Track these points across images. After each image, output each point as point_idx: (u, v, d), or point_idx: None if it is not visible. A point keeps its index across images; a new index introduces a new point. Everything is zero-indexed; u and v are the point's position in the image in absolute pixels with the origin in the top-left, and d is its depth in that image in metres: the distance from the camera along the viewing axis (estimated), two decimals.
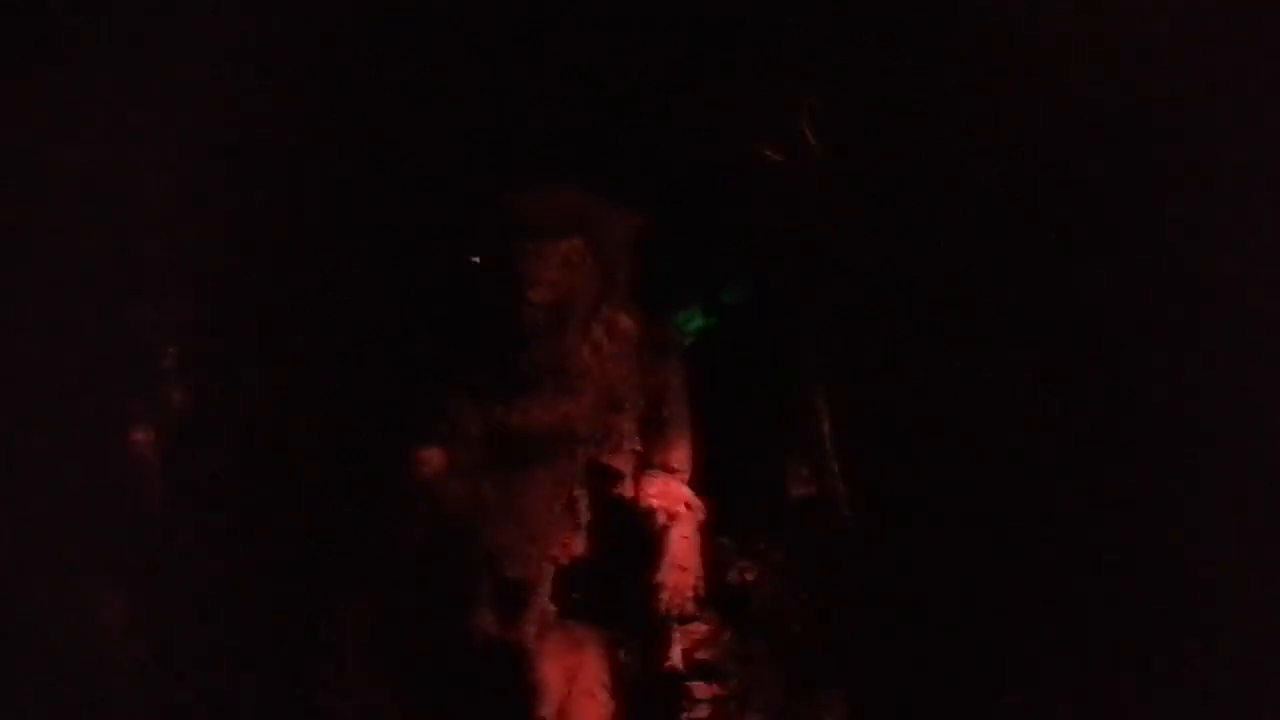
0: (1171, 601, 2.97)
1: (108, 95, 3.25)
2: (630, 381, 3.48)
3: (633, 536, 3.44)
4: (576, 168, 3.41)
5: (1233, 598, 2.91)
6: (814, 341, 3.57)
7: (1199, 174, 3.06)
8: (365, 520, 3.40)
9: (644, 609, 3.40)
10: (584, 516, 3.45)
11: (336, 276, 3.45)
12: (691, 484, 3.49)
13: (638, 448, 3.49)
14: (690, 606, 3.39)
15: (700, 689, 3.37)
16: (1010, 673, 3.27)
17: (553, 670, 3.32)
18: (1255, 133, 3.01)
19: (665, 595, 3.36)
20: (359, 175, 3.50)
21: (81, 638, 3.29)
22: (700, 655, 3.42)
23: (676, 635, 3.39)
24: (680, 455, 3.50)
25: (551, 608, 3.42)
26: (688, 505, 3.42)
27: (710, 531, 3.45)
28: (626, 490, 3.47)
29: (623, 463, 3.47)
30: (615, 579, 3.45)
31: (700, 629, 3.43)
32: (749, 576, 3.56)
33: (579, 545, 3.44)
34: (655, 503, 3.41)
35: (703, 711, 3.37)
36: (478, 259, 3.51)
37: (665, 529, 3.40)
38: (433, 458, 3.40)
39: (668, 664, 3.36)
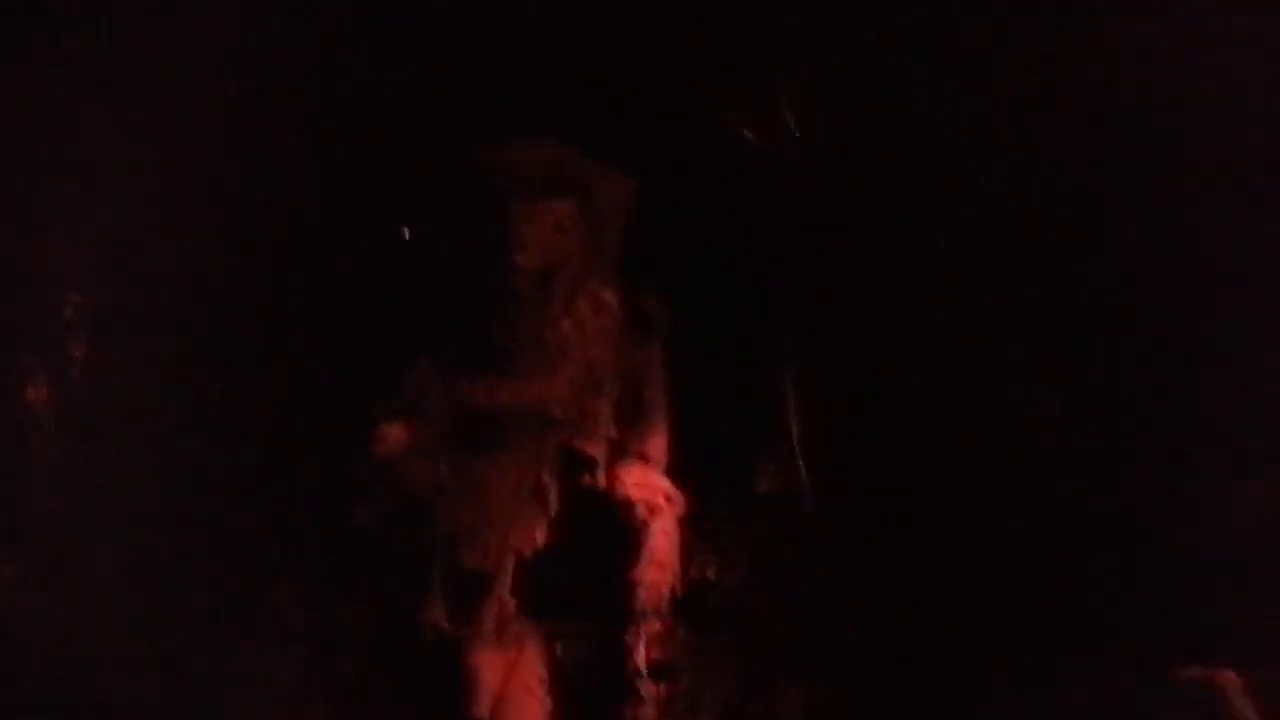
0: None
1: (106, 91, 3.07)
2: (610, 362, 3.27)
3: (606, 529, 3.21)
4: (564, 125, 3.21)
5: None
6: (788, 330, 3.44)
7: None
8: (316, 496, 3.11)
9: (617, 607, 3.16)
10: (553, 505, 3.22)
11: (297, 237, 3.18)
12: (668, 474, 3.29)
13: (613, 434, 3.27)
14: (665, 606, 3.17)
15: (649, 688, 3.13)
16: (977, 672, 3.16)
17: (494, 665, 3.08)
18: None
19: (642, 593, 3.13)
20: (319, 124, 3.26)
21: None
22: (654, 654, 3.19)
23: (644, 635, 3.17)
24: (658, 444, 3.28)
25: (511, 601, 3.17)
26: (667, 498, 3.20)
27: (687, 526, 3.24)
28: (600, 479, 3.24)
29: (597, 449, 3.24)
30: (584, 573, 3.22)
31: (655, 625, 3.21)
32: (709, 573, 3.36)
33: (545, 536, 3.20)
34: (634, 494, 3.18)
35: (650, 711, 3.13)
36: (410, 230, 3.27)
37: (644, 522, 3.17)
38: (392, 433, 3.13)
39: (630, 664, 3.13)
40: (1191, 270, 3.04)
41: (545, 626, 3.19)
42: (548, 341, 3.19)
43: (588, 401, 3.23)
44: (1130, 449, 3.11)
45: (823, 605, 3.35)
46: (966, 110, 3.26)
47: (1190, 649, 2.85)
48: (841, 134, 3.37)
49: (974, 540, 3.22)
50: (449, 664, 3.07)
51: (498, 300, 3.16)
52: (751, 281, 3.43)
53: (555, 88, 3.24)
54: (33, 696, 2.99)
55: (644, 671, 3.12)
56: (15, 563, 3.10)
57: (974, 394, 3.28)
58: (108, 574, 3.13)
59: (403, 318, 3.23)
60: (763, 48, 3.40)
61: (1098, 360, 3.16)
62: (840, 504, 3.37)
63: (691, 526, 3.25)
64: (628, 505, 3.17)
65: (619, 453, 3.25)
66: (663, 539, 3.17)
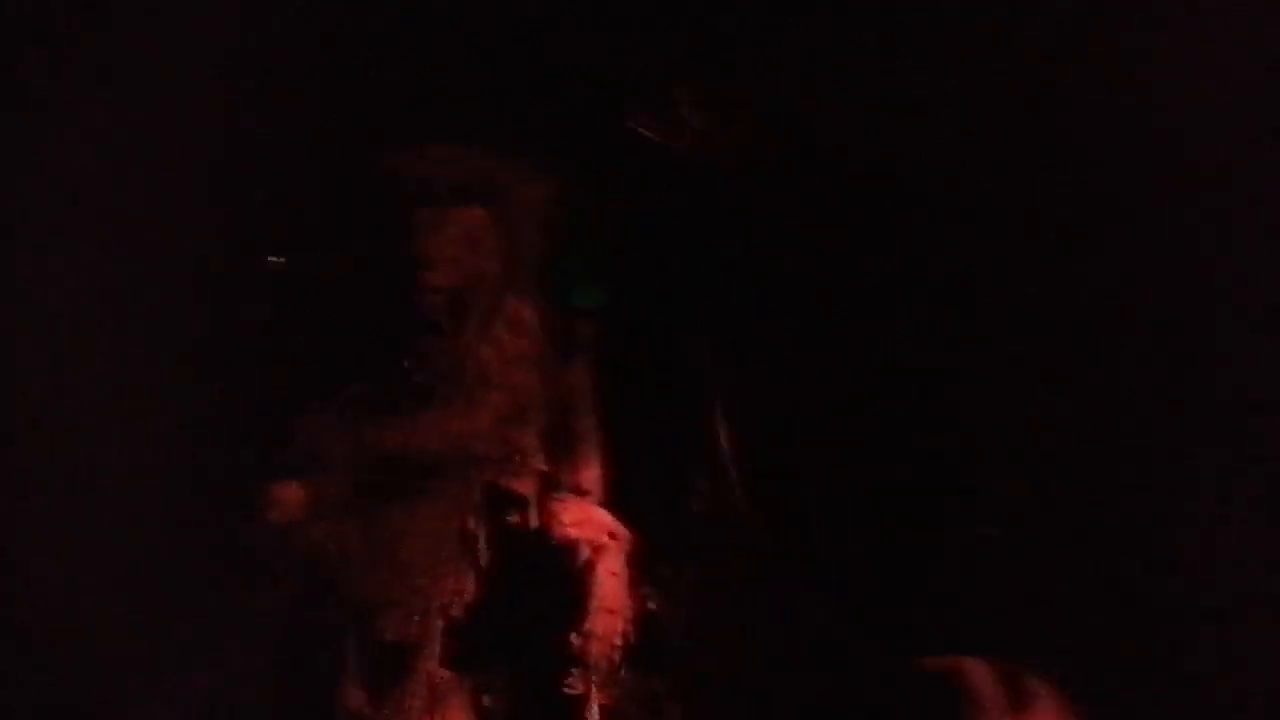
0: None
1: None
2: (534, 388, 2.89)
3: (545, 574, 2.84)
4: (472, 127, 2.79)
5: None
6: (713, 341, 3.15)
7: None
8: (208, 577, 2.63)
9: (562, 658, 2.80)
10: (483, 554, 2.83)
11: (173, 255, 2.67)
12: (606, 507, 2.94)
13: (543, 467, 2.90)
14: (618, 656, 2.83)
15: None
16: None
17: None
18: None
19: (593, 645, 2.78)
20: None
21: None
22: (600, 699, 2.86)
23: (596, 691, 2.83)
24: (591, 474, 2.93)
25: (442, 673, 2.77)
26: (612, 535, 2.85)
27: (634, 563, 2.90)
28: (533, 518, 2.87)
29: (527, 486, 2.87)
30: (520, 624, 2.85)
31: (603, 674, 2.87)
32: (652, 605, 3.03)
33: (475, 589, 2.82)
34: (574, 533, 2.82)
35: None
36: (281, 258, 2.82)
37: (589, 565, 2.82)
38: (288, 494, 2.68)
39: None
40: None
41: (473, 680, 2.82)
42: (465, 370, 2.78)
43: (512, 434, 2.85)
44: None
45: (770, 625, 3.08)
46: (916, 114, 3.06)
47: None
48: (865, 146, 3.14)
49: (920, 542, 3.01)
50: None
51: (406, 327, 2.73)
52: (675, 291, 3.11)
53: (462, 87, 2.81)
54: None
55: None
56: None
57: (913, 399, 3.07)
58: None
59: (294, 352, 2.75)
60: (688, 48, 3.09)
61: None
62: (778, 523, 3.10)
63: (635, 562, 2.92)
64: (569, 547, 2.81)
65: (551, 487, 2.89)
66: (610, 582, 2.82)
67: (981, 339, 2.96)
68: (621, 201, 3.06)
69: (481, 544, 2.83)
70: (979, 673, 2.67)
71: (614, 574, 2.83)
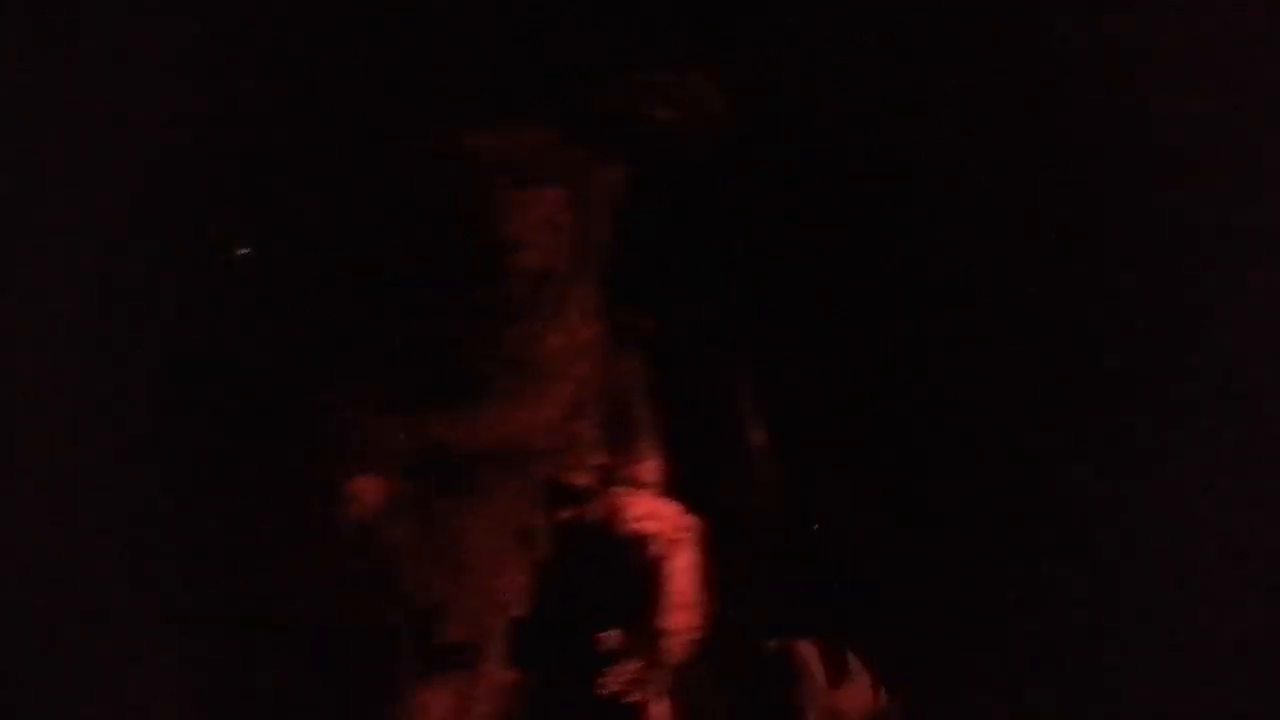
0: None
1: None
2: (594, 379, 2.80)
3: (613, 572, 2.76)
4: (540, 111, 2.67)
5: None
6: (752, 333, 3.13)
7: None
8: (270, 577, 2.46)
9: (633, 659, 2.73)
10: (544, 552, 2.73)
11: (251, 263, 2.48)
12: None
13: (603, 460, 2.82)
14: (693, 651, 2.78)
15: None
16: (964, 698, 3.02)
17: None
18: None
19: (670, 644, 2.72)
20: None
21: None
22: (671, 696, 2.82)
23: (668, 687, 2.77)
24: (651, 467, 2.87)
25: (506, 674, 2.67)
26: (684, 527, 2.80)
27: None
28: (593, 513, 2.78)
29: (587, 480, 2.79)
30: (584, 623, 2.76)
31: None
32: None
33: (538, 589, 2.72)
34: (644, 526, 2.75)
35: None
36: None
37: (660, 560, 2.75)
38: (368, 489, 2.52)
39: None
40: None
41: (536, 679, 2.73)
42: (535, 359, 2.67)
43: (573, 426, 2.76)
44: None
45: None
46: (941, 109, 3.07)
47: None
48: (865, 143, 3.08)
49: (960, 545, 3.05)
50: None
51: (481, 314, 2.59)
52: (719, 284, 3.06)
53: (525, 71, 2.69)
54: None
55: None
56: None
57: (951, 399, 3.10)
58: None
59: (357, 343, 2.57)
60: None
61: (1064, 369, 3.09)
62: (805, 524, 3.10)
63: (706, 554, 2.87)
64: (640, 542, 2.74)
65: (609, 481, 2.81)
66: (685, 577, 2.76)
67: (980, 339, 3.00)
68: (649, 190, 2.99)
69: (541, 540, 2.73)
70: (807, 651, 2.86)
71: (686, 569, 2.77)
